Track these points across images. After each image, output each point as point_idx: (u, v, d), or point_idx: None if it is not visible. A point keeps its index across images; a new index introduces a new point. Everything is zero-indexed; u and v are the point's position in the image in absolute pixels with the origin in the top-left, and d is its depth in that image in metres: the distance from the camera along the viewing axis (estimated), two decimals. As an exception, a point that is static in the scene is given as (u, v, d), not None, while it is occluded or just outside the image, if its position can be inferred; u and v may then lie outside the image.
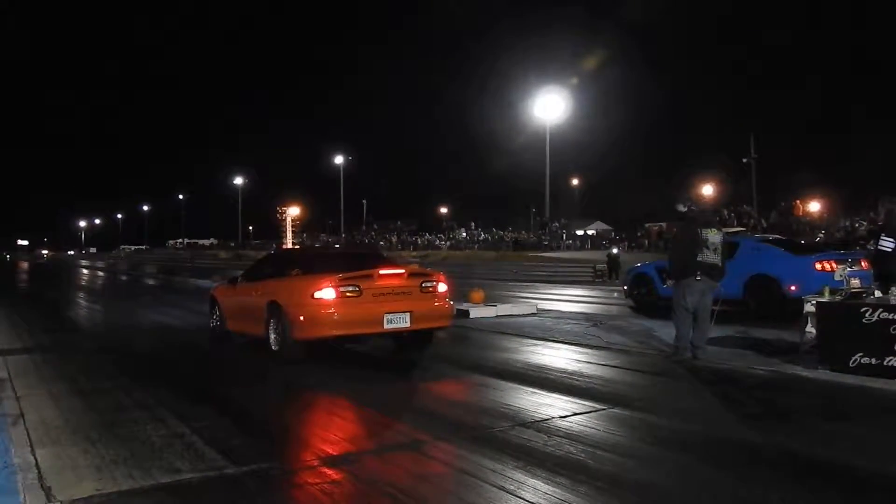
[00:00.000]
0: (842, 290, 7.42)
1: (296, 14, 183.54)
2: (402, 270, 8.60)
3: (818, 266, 11.39)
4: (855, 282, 7.46)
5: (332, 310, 7.81)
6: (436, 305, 8.48)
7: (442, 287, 8.58)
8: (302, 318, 7.95)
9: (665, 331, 9.33)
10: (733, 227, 36.99)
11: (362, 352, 9.12)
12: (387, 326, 8.01)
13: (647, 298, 13.69)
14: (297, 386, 7.23)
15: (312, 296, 7.87)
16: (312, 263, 9.07)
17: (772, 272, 11.76)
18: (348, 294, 7.88)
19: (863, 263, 11.18)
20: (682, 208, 8.11)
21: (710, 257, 7.76)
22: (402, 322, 8.06)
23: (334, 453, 4.72)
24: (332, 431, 5.46)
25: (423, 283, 8.45)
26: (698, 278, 7.74)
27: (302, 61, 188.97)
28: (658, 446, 4.78)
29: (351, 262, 8.81)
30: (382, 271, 8.28)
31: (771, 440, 4.87)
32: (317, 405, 6.59)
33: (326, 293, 7.83)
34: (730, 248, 12.12)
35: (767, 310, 11.51)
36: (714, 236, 7.83)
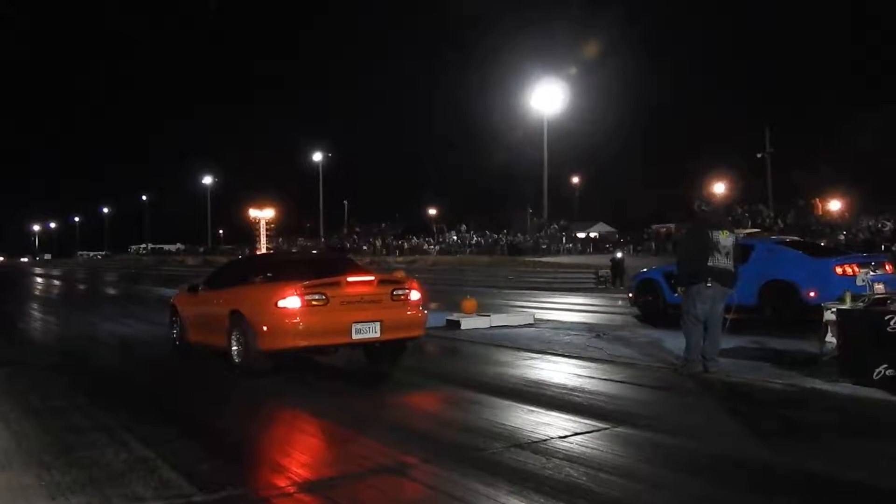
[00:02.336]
0: (865, 295, 7.47)
1: (270, 5, 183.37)
2: (372, 277, 8.76)
3: (839, 270, 11.44)
4: (879, 287, 7.52)
5: (297, 319, 7.89)
6: (408, 314, 8.58)
7: (414, 295, 8.67)
8: (265, 328, 8.02)
9: (674, 342, 9.36)
10: (748, 227, 37.26)
11: (334, 365, 9.13)
12: (355, 337, 8.10)
13: (653, 306, 13.74)
14: (267, 402, 7.24)
15: (276, 304, 7.95)
16: (277, 270, 9.14)
17: (788, 277, 11.81)
18: (314, 302, 7.96)
19: (887, 267, 11.27)
20: (704, 207, 8.11)
21: (722, 262, 7.78)
22: (371, 332, 8.16)
23: (311, 478, 4.71)
24: (307, 453, 5.46)
25: (394, 290, 8.54)
26: (709, 284, 7.76)
27: (275, 53, 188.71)
28: (666, 468, 4.80)
29: (318, 269, 8.92)
30: (350, 278, 8.40)
31: (787, 459, 4.90)
32: (289, 424, 6.59)
33: (291, 301, 7.91)
34: (743, 251, 12.19)
35: (784, 318, 11.55)
36: (726, 239, 7.85)
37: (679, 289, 8.15)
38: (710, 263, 7.73)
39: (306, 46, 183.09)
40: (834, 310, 7.41)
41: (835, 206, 44.41)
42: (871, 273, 8.50)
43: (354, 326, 8.07)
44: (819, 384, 7.05)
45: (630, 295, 14.95)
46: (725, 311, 8.04)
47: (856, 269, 11.25)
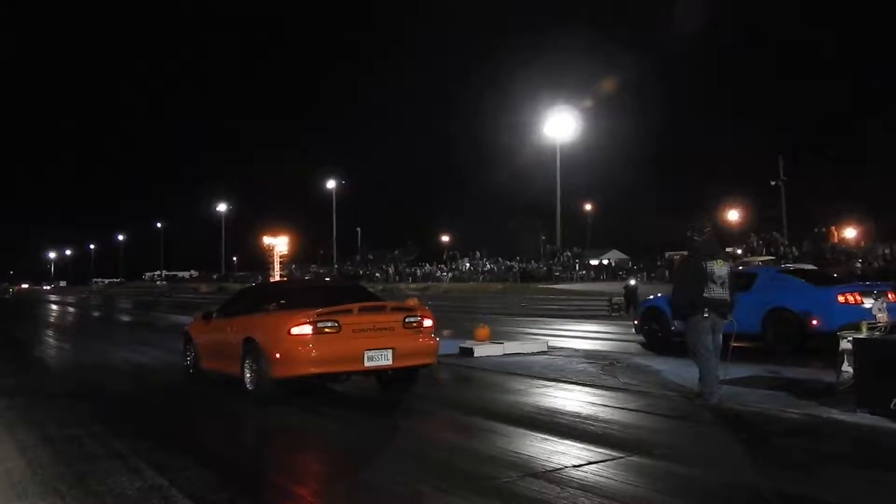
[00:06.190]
0: (879, 324, 7.43)
1: (290, 36, 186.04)
2: (384, 305, 8.86)
3: (841, 298, 11.47)
4: (881, 315, 7.50)
5: (310, 346, 7.96)
6: (420, 342, 8.63)
7: (427, 322, 8.74)
8: (278, 355, 8.07)
9: (687, 371, 9.31)
10: (762, 255, 37.07)
11: (347, 392, 9.14)
12: (367, 364, 8.16)
13: (659, 335, 13.71)
14: (280, 430, 7.27)
15: (289, 332, 8.01)
16: (290, 297, 9.21)
17: (791, 305, 11.81)
18: (327, 330, 8.03)
19: (889, 296, 11.22)
20: (696, 237, 8.10)
21: (718, 292, 7.75)
22: (383, 359, 8.21)
23: (326, 507, 4.70)
24: (321, 482, 5.46)
25: (406, 318, 8.60)
26: (706, 315, 7.75)
27: (291, 82, 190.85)
28: (681, 498, 4.76)
29: (331, 297, 8.97)
30: (363, 306, 8.47)
31: (804, 491, 4.85)
32: (303, 452, 6.60)
33: (304, 329, 7.98)
34: (747, 279, 12.22)
35: (787, 345, 11.56)
36: (720, 268, 7.83)
37: (674, 322, 8.12)
38: (705, 294, 7.72)
39: (321, 75, 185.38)
40: (850, 339, 7.36)
41: (850, 234, 44.20)
42: (876, 302, 8.46)
43: (367, 354, 8.11)
44: (836, 414, 6.97)
45: (635, 322, 14.94)
46: (727, 340, 8.03)
47: (858, 297, 11.30)
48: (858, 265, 34.20)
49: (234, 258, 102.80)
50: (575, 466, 5.44)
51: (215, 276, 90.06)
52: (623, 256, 67.94)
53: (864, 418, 6.75)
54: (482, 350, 12.59)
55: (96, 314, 36.98)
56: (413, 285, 54.90)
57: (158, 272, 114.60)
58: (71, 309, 44.24)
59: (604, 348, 14.23)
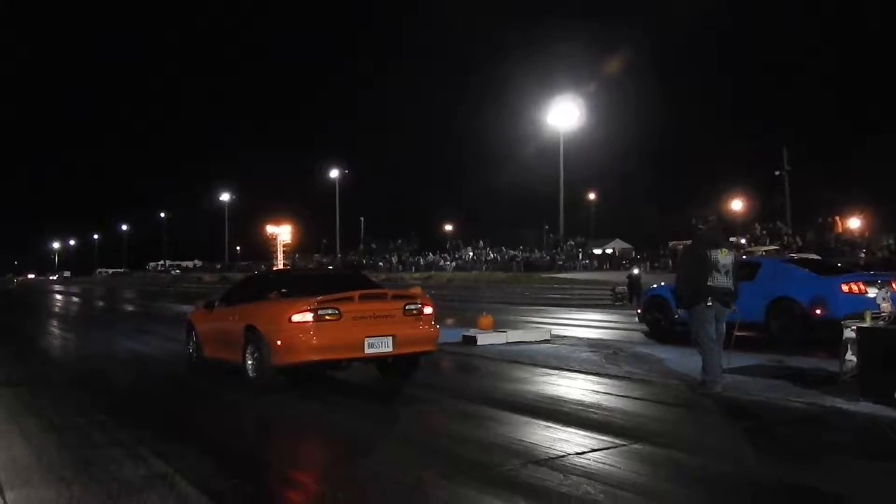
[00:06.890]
0: (883, 313, 7.41)
1: (291, 27, 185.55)
2: (385, 293, 8.91)
3: (845, 288, 11.46)
4: (885, 305, 7.48)
5: (311, 334, 8.00)
6: (420, 329, 8.67)
7: (427, 310, 8.78)
8: (279, 342, 8.11)
9: (690, 359, 9.31)
10: (766, 245, 37.01)
11: (348, 380, 9.16)
12: (368, 351, 8.19)
13: (662, 323, 13.70)
14: (282, 418, 7.29)
15: (290, 319, 8.04)
16: (292, 286, 9.25)
17: (795, 295, 11.82)
18: (327, 317, 8.07)
19: (893, 285, 11.20)
20: (700, 226, 8.10)
21: (722, 281, 7.76)
22: (384, 346, 8.24)
23: (328, 493, 4.73)
24: (323, 469, 5.48)
25: (406, 305, 8.64)
26: (710, 304, 7.75)
27: (296, 76, 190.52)
28: (684, 486, 4.77)
29: (331, 285, 9.03)
30: (363, 293, 8.51)
31: (807, 480, 4.87)
32: (305, 439, 6.63)
33: (304, 316, 8.03)
34: (750, 268, 12.22)
35: (791, 335, 11.55)
36: (724, 257, 7.82)
37: (678, 311, 8.13)
38: (710, 283, 7.72)
39: (327, 69, 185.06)
40: (854, 328, 7.35)
41: (854, 223, 44.07)
42: (880, 291, 8.44)
43: (367, 341, 8.15)
44: (840, 403, 6.96)
45: (638, 311, 14.93)
46: (730, 329, 8.03)
47: (862, 286, 11.28)
48: (862, 255, 34.13)
49: (238, 248, 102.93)
50: (578, 454, 5.45)
51: (219, 266, 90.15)
52: (626, 246, 67.93)
53: (866, 407, 6.74)
54: (485, 338, 12.61)
55: (100, 304, 37.06)
56: (416, 274, 54.97)
57: (162, 262, 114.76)
58: (75, 299, 44.35)
59: (607, 337, 14.23)
